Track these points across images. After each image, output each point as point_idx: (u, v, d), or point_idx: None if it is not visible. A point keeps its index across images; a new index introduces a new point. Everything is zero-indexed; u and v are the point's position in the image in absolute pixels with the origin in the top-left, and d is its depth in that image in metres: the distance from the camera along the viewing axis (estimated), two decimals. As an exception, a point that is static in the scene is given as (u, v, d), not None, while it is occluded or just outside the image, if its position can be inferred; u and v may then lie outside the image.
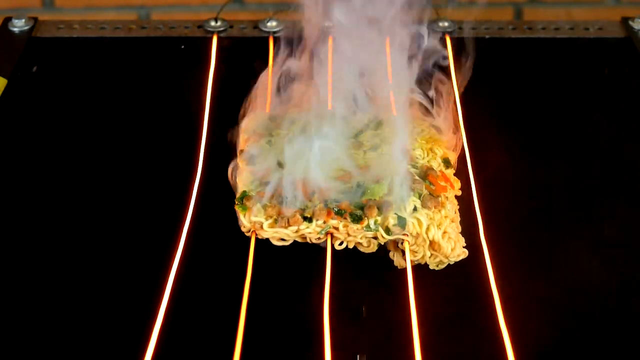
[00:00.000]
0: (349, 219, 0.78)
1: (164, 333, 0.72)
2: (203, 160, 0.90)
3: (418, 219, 0.78)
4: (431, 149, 0.86)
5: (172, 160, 0.92)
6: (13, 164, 0.92)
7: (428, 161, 0.84)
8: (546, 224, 0.85)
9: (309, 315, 0.73)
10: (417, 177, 0.81)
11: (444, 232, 0.79)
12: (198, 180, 0.87)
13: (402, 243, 0.79)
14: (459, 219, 0.82)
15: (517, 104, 1.02)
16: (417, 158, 0.84)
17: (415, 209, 0.79)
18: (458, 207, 0.83)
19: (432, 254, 0.79)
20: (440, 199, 0.80)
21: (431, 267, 0.79)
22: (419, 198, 0.80)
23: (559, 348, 0.74)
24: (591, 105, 1.01)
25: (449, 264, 0.80)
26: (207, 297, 0.77)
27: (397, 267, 0.80)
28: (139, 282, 0.78)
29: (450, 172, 0.85)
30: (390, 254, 0.81)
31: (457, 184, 0.84)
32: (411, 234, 0.78)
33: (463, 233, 0.81)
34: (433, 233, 0.78)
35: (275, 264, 0.79)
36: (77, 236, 0.84)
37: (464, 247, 0.80)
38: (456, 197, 0.84)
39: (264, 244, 0.80)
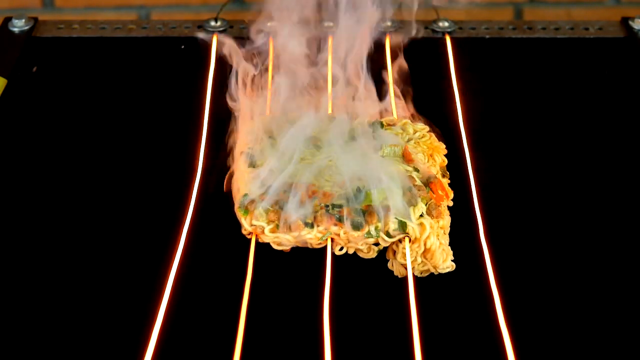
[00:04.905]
0: (349, 226, 0.78)
1: (164, 334, 0.72)
2: (203, 161, 0.90)
3: (422, 224, 0.78)
4: (431, 155, 0.86)
5: (172, 161, 0.92)
6: (13, 164, 0.92)
7: (428, 167, 0.84)
8: (546, 226, 0.85)
9: (308, 317, 0.73)
10: (419, 183, 0.81)
11: (440, 243, 0.79)
12: (198, 181, 0.87)
13: (399, 243, 0.79)
14: (449, 230, 0.82)
15: (517, 104, 1.02)
16: (418, 162, 0.84)
17: (422, 215, 0.79)
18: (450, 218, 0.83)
19: (421, 261, 0.79)
20: (440, 208, 0.80)
21: (416, 273, 0.79)
22: (426, 205, 0.80)
23: (559, 350, 0.74)
24: (591, 106, 1.01)
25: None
26: (207, 299, 0.77)
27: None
28: (139, 283, 0.78)
29: (446, 181, 0.85)
30: (389, 264, 0.80)
31: (451, 194, 0.84)
32: (409, 237, 0.79)
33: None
34: (432, 242, 0.78)
35: (276, 265, 0.79)
36: (76, 236, 0.84)
37: (452, 260, 0.80)
38: (454, 200, 0.84)
39: (264, 246, 0.80)
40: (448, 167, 0.88)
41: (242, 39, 0.96)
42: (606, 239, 0.84)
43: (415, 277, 0.78)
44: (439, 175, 0.84)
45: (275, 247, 0.80)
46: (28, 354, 0.73)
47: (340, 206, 0.79)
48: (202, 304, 0.77)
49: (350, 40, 0.93)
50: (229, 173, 0.85)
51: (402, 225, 0.78)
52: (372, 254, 0.80)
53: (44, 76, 1.05)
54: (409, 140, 0.87)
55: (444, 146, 0.89)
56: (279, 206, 0.79)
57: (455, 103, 0.98)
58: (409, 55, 1.03)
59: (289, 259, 0.80)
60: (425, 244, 0.78)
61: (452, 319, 0.76)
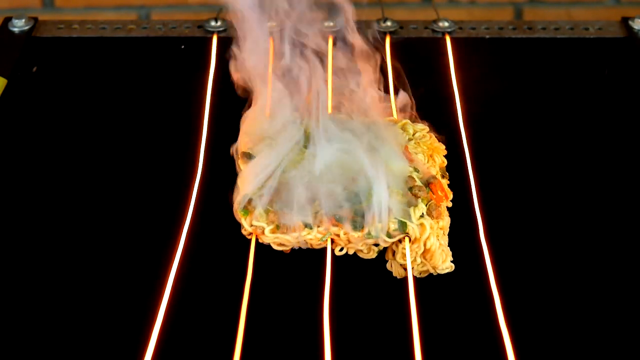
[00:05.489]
0: (349, 227, 0.78)
1: (164, 334, 0.72)
2: (203, 161, 0.90)
3: (423, 225, 0.78)
4: (431, 156, 0.86)
5: (172, 161, 0.92)
6: (13, 164, 0.92)
7: (428, 167, 0.84)
8: (546, 226, 0.85)
9: (308, 318, 0.73)
10: (420, 183, 0.81)
11: (439, 244, 0.79)
12: (198, 181, 0.87)
13: (398, 243, 0.79)
14: (448, 231, 0.82)
15: (517, 105, 1.02)
16: (418, 162, 0.84)
17: (422, 215, 0.79)
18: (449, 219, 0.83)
19: (421, 262, 0.79)
20: (440, 209, 0.80)
21: (414, 274, 0.79)
22: (426, 205, 0.80)
23: (559, 350, 0.74)
24: (591, 106, 1.01)
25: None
26: (207, 299, 0.77)
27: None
28: (139, 283, 0.78)
29: (445, 182, 0.85)
30: (388, 265, 0.80)
31: (450, 195, 0.84)
32: (409, 237, 0.78)
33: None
34: (432, 242, 0.78)
35: (276, 266, 0.79)
36: (76, 237, 0.84)
37: (451, 261, 0.80)
38: (453, 200, 0.84)
39: (264, 247, 0.80)
40: (448, 166, 0.88)
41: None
42: (606, 238, 0.84)
43: (415, 277, 0.78)
44: (439, 176, 0.84)
45: (275, 247, 0.80)
46: (28, 354, 0.73)
47: (339, 207, 0.79)
48: (202, 304, 0.77)
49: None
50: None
51: (403, 226, 0.78)
52: (372, 255, 0.80)
53: (44, 76, 1.05)
54: (409, 140, 0.87)
55: (444, 147, 0.89)
56: (278, 207, 0.79)
57: (455, 103, 0.98)
58: (409, 55, 1.03)
59: (289, 260, 0.80)
60: (425, 245, 0.78)
61: (452, 319, 0.76)
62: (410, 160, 0.84)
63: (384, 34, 1.10)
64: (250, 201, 0.80)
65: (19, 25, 1.11)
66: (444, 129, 0.92)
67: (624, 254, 0.82)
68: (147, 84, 1.05)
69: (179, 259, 0.78)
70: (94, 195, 0.88)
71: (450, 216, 0.82)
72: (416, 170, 0.83)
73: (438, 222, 0.80)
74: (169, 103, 1.01)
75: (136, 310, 0.75)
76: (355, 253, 0.80)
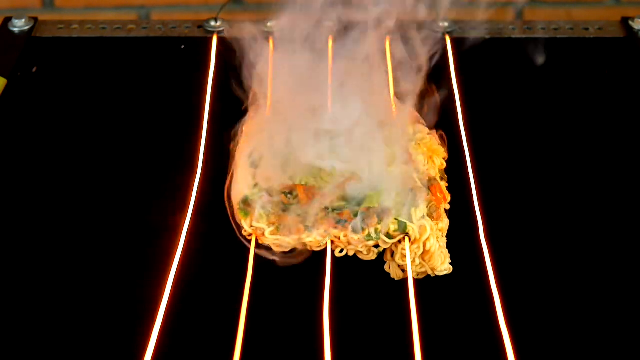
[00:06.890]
0: (350, 229, 0.78)
1: (164, 336, 0.72)
2: (203, 161, 0.90)
3: (423, 226, 0.78)
4: (431, 158, 0.86)
5: (172, 161, 0.92)
6: (13, 164, 0.92)
7: (427, 169, 0.84)
8: (546, 227, 0.85)
9: (309, 319, 0.73)
10: (420, 185, 0.81)
11: (439, 245, 0.79)
12: (198, 181, 0.87)
13: (398, 244, 0.79)
14: (446, 232, 0.81)
15: (517, 105, 1.02)
16: (419, 164, 0.84)
17: (423, 216, 0.79)
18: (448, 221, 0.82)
19: (420, 263, 0.79)
20: (440, 210, 0.80)
21: (412, 275, 0.79)
22: (427, 206, 0.80)
23: (559, 350, 0.74)
24: (591, 106, 1.01)
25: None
26: (207, 300, 0.77)
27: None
28: (139, 283, 0.78)
29: (444, 184, 0.85)
30: (386, 266, 0.80)
31: (448, 197, 0.84)
32: (409, 238, 0.78)
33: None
34: (431, 243, 0.78)
35: (276, 267, 0.79)
36: (76, 237, 0.84)
37: (449, 263, 0.80)
38: (453, 202, 0.84)
39: (264, 247, 0.80)
40: (447, 166, 0.88)
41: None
42: (606, 239, 0.84)
43: (414, 278, 0.78)
44: (438, 178, 0.84)
45: (275, 248, 0.79)
46: (28, 354, 0.73)
47: (340, 208, 0.79)
48: (202, 305, 0.77)
49: None
50: (229, 179, 0.85)
51: (403, 227, 0.78)
52: (372, 256, 0.80)
53: (44, 76, 1.05)
54: (409, 141, 0.87)
55: (443, 149, 0.89)
56: (279, 208, 0.79)
57: (455, 103, 0.98)
58: (409, 55, 1.03)
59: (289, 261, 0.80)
60: (424, 246, 0.78)
61: (452, 320, 0.76)
62: (411, 162, 0.83)
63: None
64: (250, 202, 0.80)
65: (19, 25, 1.11)
66: (444, 129, 0.91)
67: (624, 254, 0.82)
68: (147, 84, 1.05)
69: (178, 260, 0.78)
70: (94, 195, 0.88)
71: (450, 217, 0.82)
72: (416, 171, 0.83)
73: (438, 224, 0.80)
74: (169, 103, 1.01)
75: (136, 311, 0.75)
76: (355, 254, 0.80)
